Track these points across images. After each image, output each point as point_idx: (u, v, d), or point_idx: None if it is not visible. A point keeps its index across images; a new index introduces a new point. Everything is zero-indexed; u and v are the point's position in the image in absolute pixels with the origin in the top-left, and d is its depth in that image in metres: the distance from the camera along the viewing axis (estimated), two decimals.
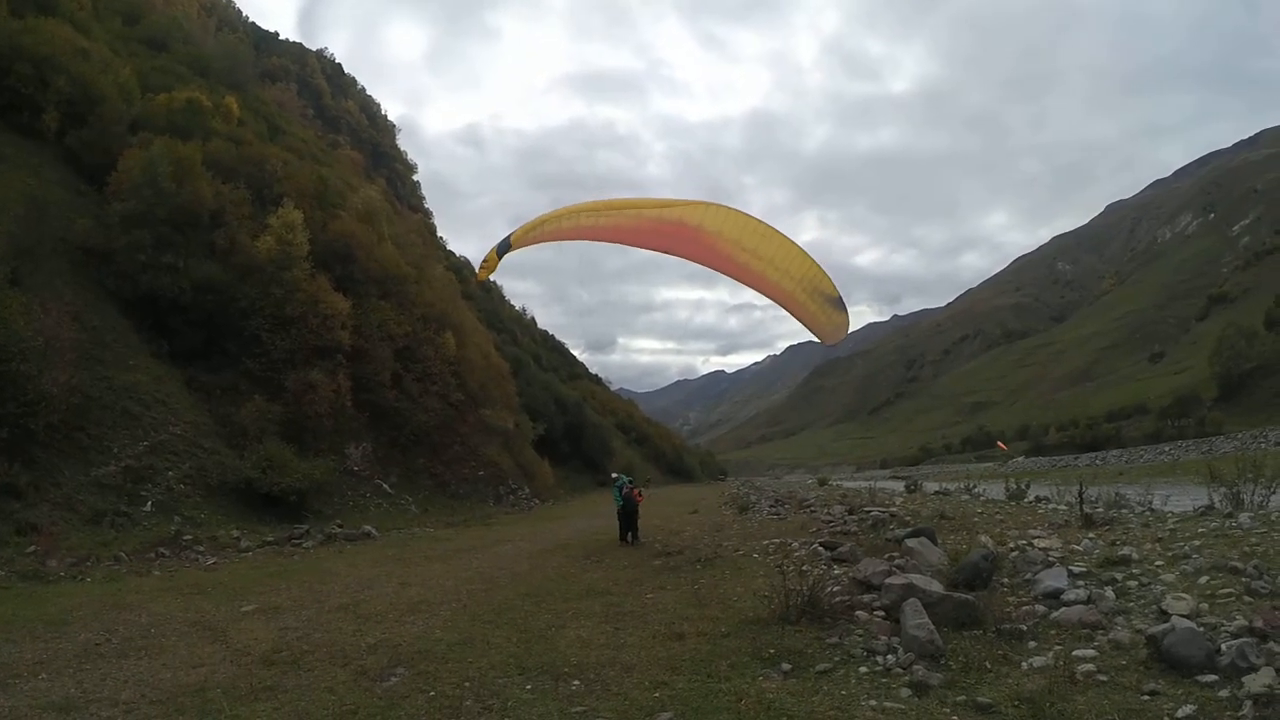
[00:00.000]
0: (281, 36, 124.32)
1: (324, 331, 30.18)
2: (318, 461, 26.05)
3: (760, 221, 13.91)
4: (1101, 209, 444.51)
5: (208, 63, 54.98)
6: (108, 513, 18.99)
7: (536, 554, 17.50)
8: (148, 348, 25.80)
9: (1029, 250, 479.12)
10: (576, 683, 7.05)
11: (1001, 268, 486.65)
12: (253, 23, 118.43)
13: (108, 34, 43.43)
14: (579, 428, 63.78)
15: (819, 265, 14.25)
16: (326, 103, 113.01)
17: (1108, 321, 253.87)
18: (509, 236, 12.99)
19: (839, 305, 14.48)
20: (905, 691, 6.30)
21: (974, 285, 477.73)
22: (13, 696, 7.13)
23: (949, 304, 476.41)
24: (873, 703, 6.12)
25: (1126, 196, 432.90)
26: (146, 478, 21.04)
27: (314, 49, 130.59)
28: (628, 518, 18.47)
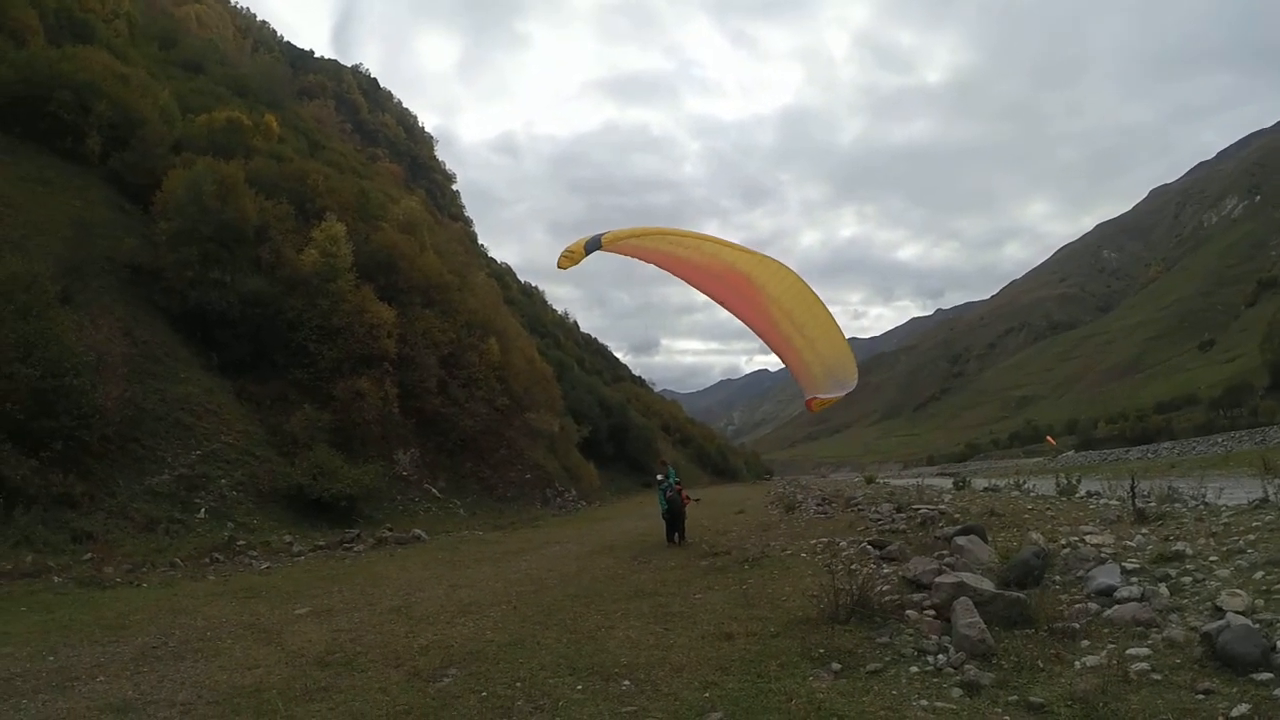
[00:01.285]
0: (316, 54, 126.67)
1: (370, 341, 30.67)
2: (367, 467, 26.45)
3: (808, 287, 13.90)
4: (1144, 194, 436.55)
5: (246, 83, 56.17)
6: (162, 520, 19.50)
7: (584, 555, 17.60)
8: (198, 360, 26.49)
9: (1072, 239, 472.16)
10: (627, 683, 7.07)
11: (1044, 258, 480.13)
12: (288, 42, 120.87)
13: (145, 58, 44.62)
14: (623, 430, 64.02)
15: (849, 348, 14.25)
16: (364, 117, 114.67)
17: (1155, 310, 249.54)
18: (601, 236, 13.05)
19: (842, 387, 14.32)
20: (956, 691, 6.24)
21: (1017, 277, 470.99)
22: (71, 699, 7.28)
23: (992, 296, 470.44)
24: (924, 703, 6.07)
25: (1169, 181, 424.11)
26: (200, 485, 21.58)
27: (349, 65, 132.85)
28: (674, 518, 18.42)
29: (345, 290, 31.05)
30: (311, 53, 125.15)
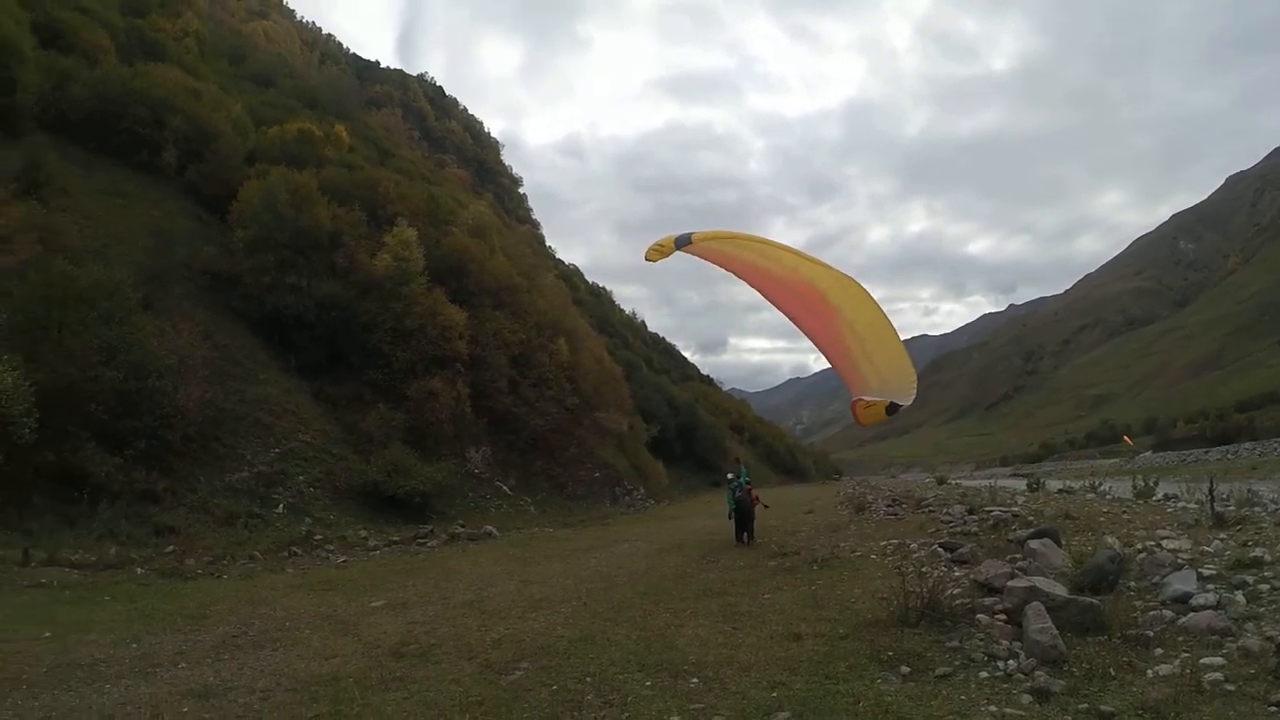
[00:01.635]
0: (382, 64, 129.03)
1: (442, 342, 31.51)
2: (440, 465, 27.14)
3: (881, 311, 13.84)
4: (1221, 182, 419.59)
5: (315, 94, 57.68)
6: (241, 515, 20.37)
7: (653, 553, 17.68)
8: (276, 363, 27.56)
9: (1147, 230, 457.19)
10: (695, 680, 7.12)
11: (1119, 250, 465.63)
12: (353, 54, 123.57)
13: (216, 74, 46.39)
14: (691, 428, 64.13)
15: (913, 378, 14.12)
16: (431, 124, 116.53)
17: (1235, 303, 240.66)
18: (691, 234, 13.19)
19: (891, 411, 14.10)
20: (1026, 698, 6.16)
21: (1091, 270, 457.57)
22: (154, 684, 7.58)
23: (1066, 291, 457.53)
24: (992, 708, 6.01)
25: (1245, 167, 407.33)
26: (278, 482, 22.46)
27: (414, 74, 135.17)
28: (743, 518, 18.31)
29: (418, 293, 31.92)
30: (377, 63, 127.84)
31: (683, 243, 12.70)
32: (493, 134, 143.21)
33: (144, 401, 19.65)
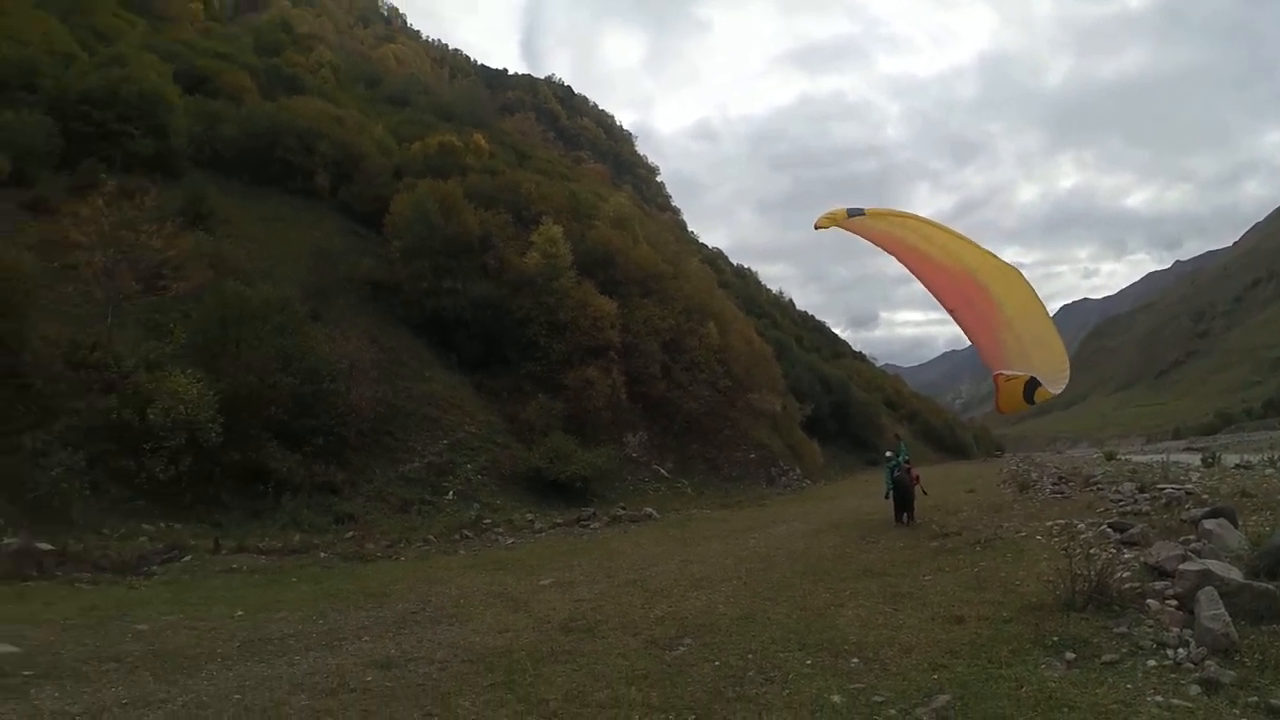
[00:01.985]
0: (510, 71, 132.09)
1: (595, 332, 32.66)
2: (599, 450, 28.37)
3: (1042, 306, 13.61)
4: None
5: (450, 108, 60.22)
6: (415, 502, 22.18)
7: (811, 534, 17.78)
8: (439, 361, 29.34)
9: None
10: (855, 660, 7.19)
11: None
12: (481, 65, 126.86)
13: (355, 100, 50.27)
14: (845, 406, 63.26)
15: (1066, 363, 13.72)
16: (564, 124, 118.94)
17: None
18: (864, 209, 13.32)
19: (1031, 393, 13.60)
20: (1194, 689, 5.96)
21: (1260, 219, 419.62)
22: (340, 655, 8.24)
23: (1235, 243, 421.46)
24: (1159, 699, 5.85)
25: None
26: (447, 471, 24.12)
27: (541, 77, 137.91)
28: (903, 498, 18.03)
29: (568, 287, 33.14)
30: (505, 71, 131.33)
31: (855, 214, 12.73)
32: (625, 126, 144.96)
33: (319, 403, 21.60)
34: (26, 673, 7.37)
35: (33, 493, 16.05)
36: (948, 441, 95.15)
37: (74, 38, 36.70)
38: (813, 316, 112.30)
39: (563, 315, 32.41)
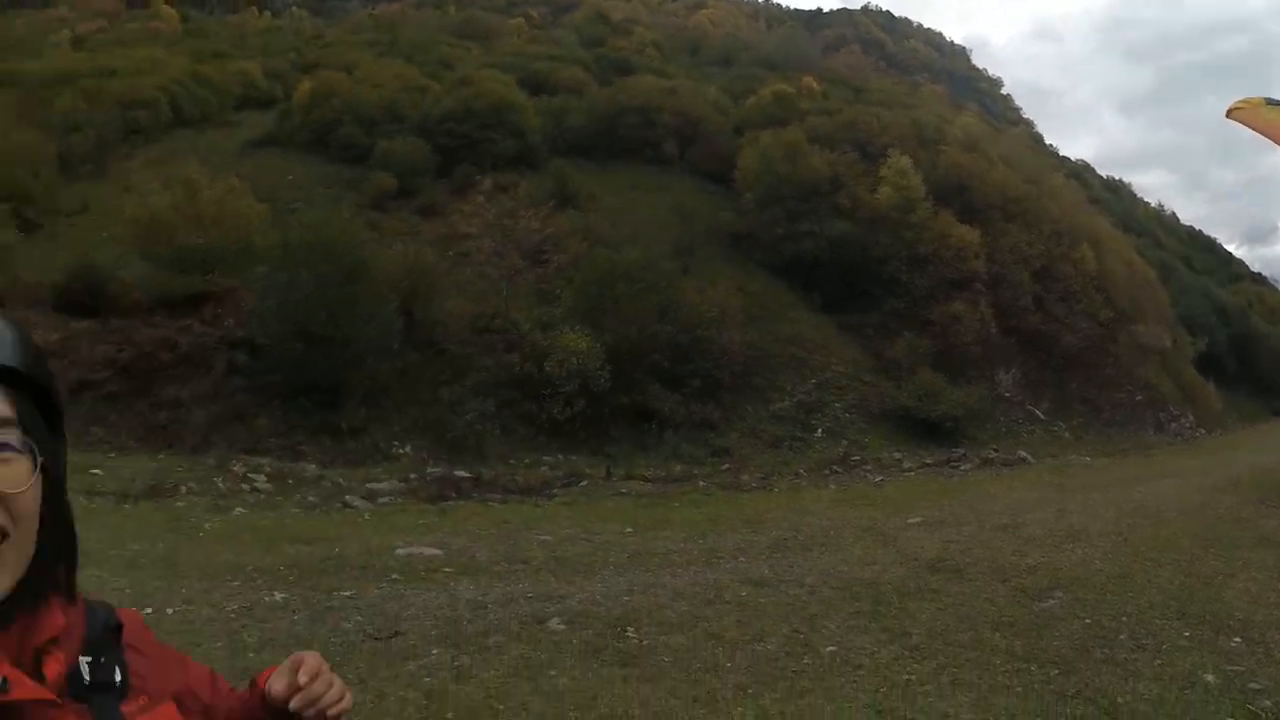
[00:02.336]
0: (825, 10, 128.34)
1: (957, 264, 31.54)
2: (969, 389, 27.45)
3: None
4: None
5: (774, 58, 60.26)
6: (785, 439, 23.38)
7: (1204, 490, 15.72)
8: (802, 303, 29.97)
9: None
10: (1238, 640, 6.41)
11: None
12: (794, 9, 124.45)
13: (682, 69, 51.98)
14: (1246, 341, 53.17)
15: None
16: (891, 51, 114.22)
17: None
18: None
19: None
20: None
21: None
22: (718, 572, 8.91)
23: None
24: None
25: None
26: (816, 409, 24.90)
27: (858, 7, 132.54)
28: None
29: (924, 218, 32.10)
30: (820, 11, 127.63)
31: (1274, 104, 11.25)
32: (956, 41, 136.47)
33: (694, 348, 23.54)
34: (448, 570, 8.79)
35: (451, 434, 19.59)
36: None
37: (421, 73, 42.59)
38: (1200, 232, 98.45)
39: (922, 248, 31.57)
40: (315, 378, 19.20)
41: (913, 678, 5.69)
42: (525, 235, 26.05)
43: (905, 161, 33.43)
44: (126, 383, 19.49)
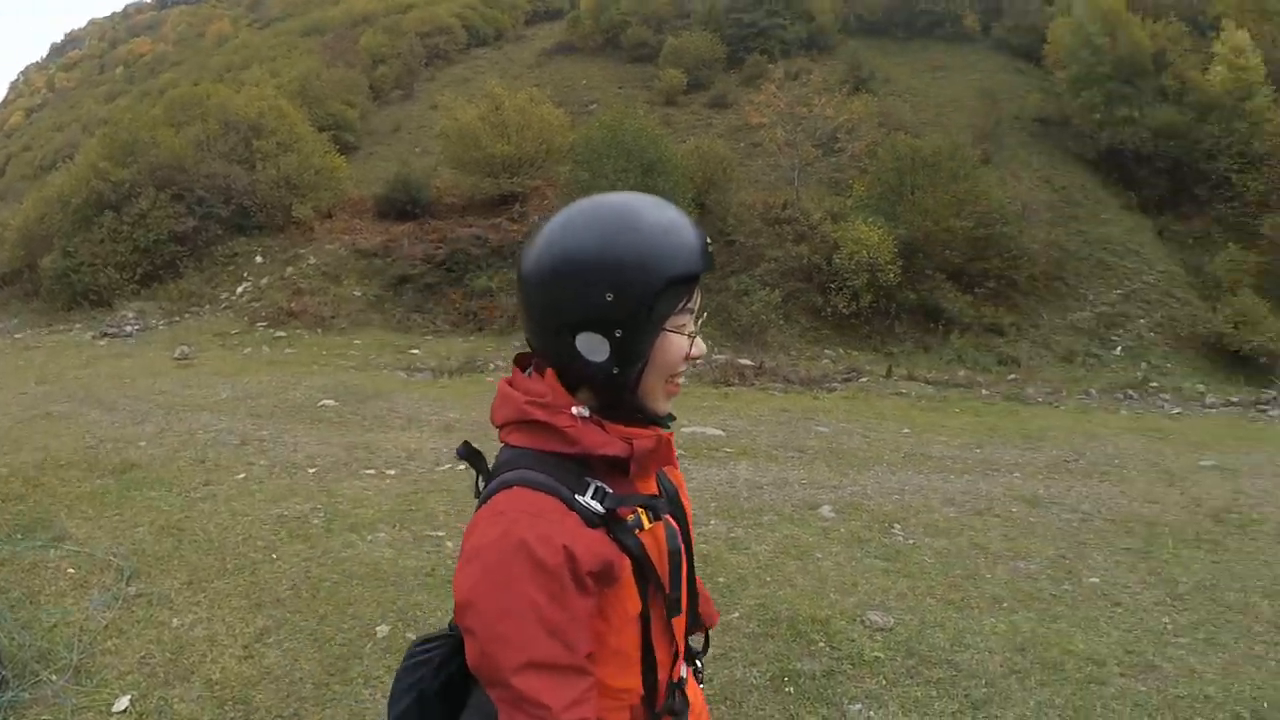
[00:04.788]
0: None
1: None
2: None
3: None
4: None
5: None
6: (1079, 353, 21.95)
7: None
8: (1117, 201, 27.60)
9: None
10: None
11: None
12: None
13: None
14: None
15: None
16: None
17: None
18: None
19: None
20: None
21: None
22: (990, 484, 8.72)
23: None
24: None
25: None
26: (1117, 324, 23.25)
27: None
28: None
29: (1264, 107, 27.89)
30: None
31: None
32: None
33: (992, 246, 22.60)
34: (728, 450, 9.34)
35: (736, 322, 20.04)
36: None
37: None
38: None
39: (1258, 145, 27.20)
40: None
41: (1169, 626, 5.57)
42: (818, 123, 25.72)
43: (1243, 37, 28.83)
44: (442, 274, 22.15)
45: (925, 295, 22.01)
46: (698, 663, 1.61)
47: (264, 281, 22.16)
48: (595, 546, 1.20)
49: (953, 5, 36.64)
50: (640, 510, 1.30)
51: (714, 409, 12.29)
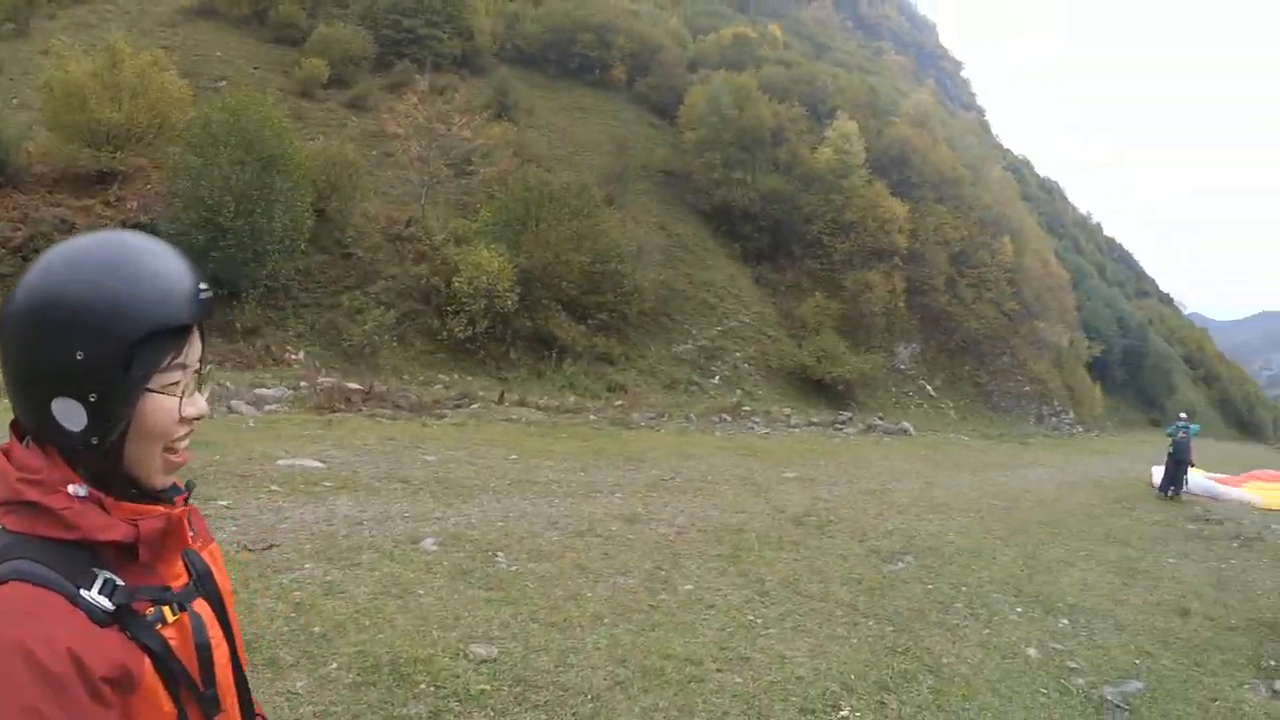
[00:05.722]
0: None
1: (881, 235, 32.64)
2: (868, 356, 28.83)
3: None
4: None
5: None
6: (682, 381, 24.20)
7: (1065, 485, 17.27)
8: (723, 250, 30.79)
9: None
10: (1065, 622, 7.14)
11: None
12: None
13: None
14: (1139, 355, 55.73)
15: None
16: (864, 11, 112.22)
17: None
18: None
19: None
20: None
21: None
22: (593, 505, 9.47)
23: None
24: None
25: None
26: (717, 356, 25.87)
27: None
28: (1176, 467, 16.72)
29: (858, 185, 33.03)
30: None
31: None
32: (929, 16, 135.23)
33: (606, 281, 23.94)
34: (328, 483, 9.01)
35: (347, 342, 19.41)
36: (1242, 418, 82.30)
37: None
38: (1120, 245, 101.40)
39: (850, 214, 32.49)
40: (214, 272, 18.06)
41: (758, 620, 6.23)
42: (455, 143, 25.61)
43: (852, 127, 34.14)
44: (18, 265, 17.69)
45: (541, 324, 22.73)
46: None
47: None
48: (107, 650, 1.01)
49: (605, 55, 38.47)
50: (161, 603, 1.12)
51: (315, 438, 11.82)
